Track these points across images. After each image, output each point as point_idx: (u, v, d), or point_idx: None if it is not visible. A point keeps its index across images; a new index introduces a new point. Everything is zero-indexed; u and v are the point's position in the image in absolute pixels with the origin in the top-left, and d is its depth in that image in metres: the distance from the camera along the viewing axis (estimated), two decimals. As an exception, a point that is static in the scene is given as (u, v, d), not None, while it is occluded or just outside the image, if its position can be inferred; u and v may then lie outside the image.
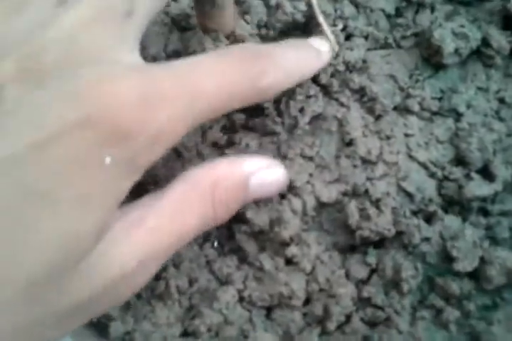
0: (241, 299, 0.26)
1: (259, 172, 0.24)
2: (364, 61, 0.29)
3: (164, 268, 0.26)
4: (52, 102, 0.18)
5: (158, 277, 0.26)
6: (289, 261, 0.26)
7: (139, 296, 0.25)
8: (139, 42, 0.21)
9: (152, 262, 0.22)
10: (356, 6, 0.30)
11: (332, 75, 0.29)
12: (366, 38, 0.30)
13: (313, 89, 0.28)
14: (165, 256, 0.22)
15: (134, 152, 0.19)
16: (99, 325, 0.24)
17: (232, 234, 0.27)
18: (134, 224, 0.21)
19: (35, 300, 0.18)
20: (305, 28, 0.29)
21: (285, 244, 0.26)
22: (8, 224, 0.17)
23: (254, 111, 0.28)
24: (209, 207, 0.23)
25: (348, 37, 0.30)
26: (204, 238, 0.27)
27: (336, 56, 0.29)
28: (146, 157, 0.20)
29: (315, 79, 0.29)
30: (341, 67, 0.29)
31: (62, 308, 0.19)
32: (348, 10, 0.30)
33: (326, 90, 0.29)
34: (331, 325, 0.25)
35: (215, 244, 0.27)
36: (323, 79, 0.29)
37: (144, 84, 0.19)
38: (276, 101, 0.28)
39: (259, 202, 0.26)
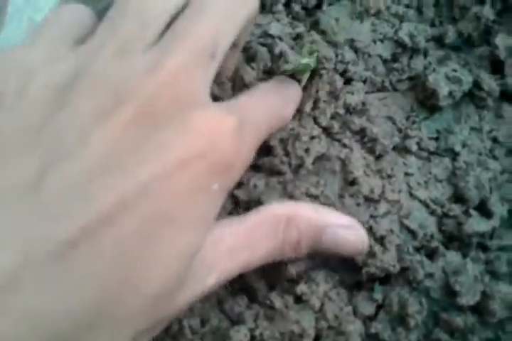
0: (252, 338, 0.26)
1: (338, 227, 0.26)
2: (363, 104, 0.31)
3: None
4: (172, 141, 0.21)
5: (172, 317, 0.26)
6: (298, 299, 0.27)
7: (152, 337, 0.26)
8: None
9: (223, 279, 0.24)
10: (356, 51, 0.32)
11: (332, 117, 0.30)
12: (364, 81, 0.31)
13: (316, 131, 0.29)
14: (231, 276, 0.24)
15: (231, 179, 0.23)
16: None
17: (241, 273, 0.28)
18: (216, 240, 0.23)
19: (154, 311, 0.21)
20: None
21: (294, 282, 0.27)
22: (140, 243, 0.20)
23: (261, 151, 0.29)
24: (279, 242, 0.25)
25: (348, 81, 0.31)
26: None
27: (337, 99, 0.30)
28: (235, 182, 0.24)
29: (316, 121, 0.30)
30: (341, 110, 0.30)
31: (165, 317, 0.22)
32: (349, 55, 0.31)
33: (327, 132, 0.30)
34: (342, 362, 0.26)
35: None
36: (324, 121, 0.30)
37: (233, 122, 0.23)
38: (283, 142, 0.29)
39: None
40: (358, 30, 0.32)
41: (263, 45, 0.30)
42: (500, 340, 0.26)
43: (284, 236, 0.25)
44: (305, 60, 0.29)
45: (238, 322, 0.27)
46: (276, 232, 0.25)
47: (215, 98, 0.29)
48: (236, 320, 0.27)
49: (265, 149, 0.29)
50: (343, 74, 0.31)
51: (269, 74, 0.31)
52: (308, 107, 0.30)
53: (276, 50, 0.30)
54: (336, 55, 0.31)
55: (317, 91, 0.31)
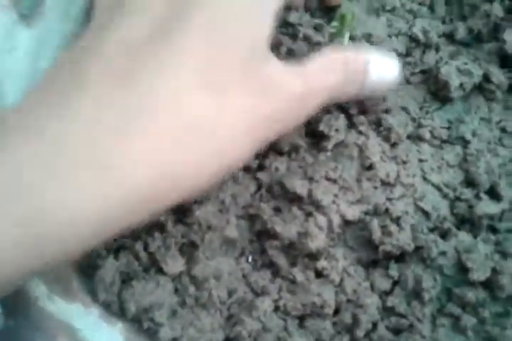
0: (276, 308, 0.28)
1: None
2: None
3: (206, 279, 0.28)
4: None
5: (201, 287, 0.28)
6: (318, 274, 0.29)
7: (184, 305, 0.28)
8: None
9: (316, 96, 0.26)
10: (372, 45, 0.33)
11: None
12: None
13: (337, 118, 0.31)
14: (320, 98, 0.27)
15: None
16: (150, 331, 0.26)
17: (264, 249, 0.29)
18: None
19: None
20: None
21: (314, 258, 0.29)
22: None
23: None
24: (340, 79, 0.27)
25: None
26: (239, 253, 0.30)
27: None
28: None
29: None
30: None
31: None
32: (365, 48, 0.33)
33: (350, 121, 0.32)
34: (360, 333, 0.28)
35: (249, 259, 0.30)
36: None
37: None
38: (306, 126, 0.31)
39: (286, 218, 0.29)
40: (374, 25, 0.34)
41: (285, 34, 0.32)
42: (509, 314, 0.28)
43: (344, 74, 0.27)
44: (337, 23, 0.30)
45: (263, 294, 0.28)
46: (336, 72, 0.27)
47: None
48: (260, 292, 0.28)
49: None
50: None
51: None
52: None
53: (300, 35, 0.31)
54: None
55: None
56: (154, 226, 0.28)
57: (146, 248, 0.28)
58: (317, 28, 0.32)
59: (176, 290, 0.28)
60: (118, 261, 0.28)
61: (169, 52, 0.22)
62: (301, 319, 0.28)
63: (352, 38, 0.33)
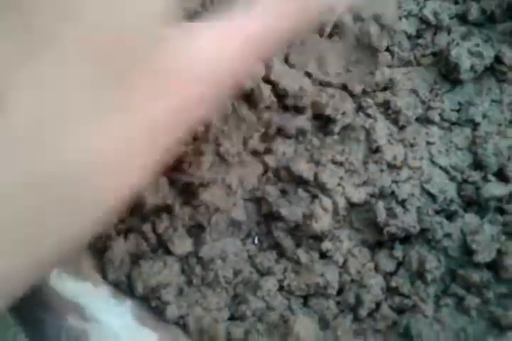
0: (281, 288, 0.29)
1: None
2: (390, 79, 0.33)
3: (213, 260, 0.29)
4: None
5: (207, 268, 0.29)
6: (323, 255, 0.29)
7: (190, 284, 0.29)
8: None
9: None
10: (381, 26, 0.33)
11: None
12: (392, 56, 0.33)
13: (345, 101, 0.31)
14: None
15: None
16: (157, 309, 0.28)
17: (270, 231, 0.30)
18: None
19: None
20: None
21: (319, 239, 0.29)
22: None
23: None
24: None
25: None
26: (245, 235, 0.30)
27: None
28: None
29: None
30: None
31: None
32: (373, 29, 0.33)
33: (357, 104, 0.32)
34: (363, 312, 0.28)
35: (256, 240, 0.30)
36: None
37: None
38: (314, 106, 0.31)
39: (292, 201, 0.30)
40: (384, 6, 0.34)
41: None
42: (513, 295, 0.28)
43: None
44: None
45: (267, 274, 0.29)
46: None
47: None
48: (265, 272, 0.29)
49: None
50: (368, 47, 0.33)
51: None
52: None
53: None
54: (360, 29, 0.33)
55: None
56: (162, 209, 0.29)
57: (154, 229, 0.29)
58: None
59: (183, 270, 0.29)
60: (127, 242, 0.29)
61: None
62: (305, 298, 0.29)
63: (361, 20, 0.33)
